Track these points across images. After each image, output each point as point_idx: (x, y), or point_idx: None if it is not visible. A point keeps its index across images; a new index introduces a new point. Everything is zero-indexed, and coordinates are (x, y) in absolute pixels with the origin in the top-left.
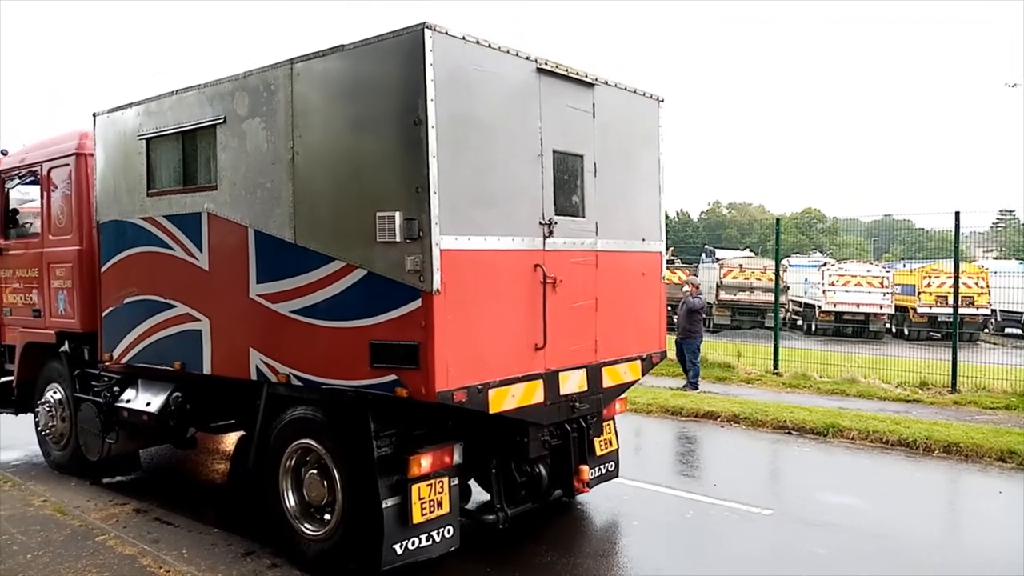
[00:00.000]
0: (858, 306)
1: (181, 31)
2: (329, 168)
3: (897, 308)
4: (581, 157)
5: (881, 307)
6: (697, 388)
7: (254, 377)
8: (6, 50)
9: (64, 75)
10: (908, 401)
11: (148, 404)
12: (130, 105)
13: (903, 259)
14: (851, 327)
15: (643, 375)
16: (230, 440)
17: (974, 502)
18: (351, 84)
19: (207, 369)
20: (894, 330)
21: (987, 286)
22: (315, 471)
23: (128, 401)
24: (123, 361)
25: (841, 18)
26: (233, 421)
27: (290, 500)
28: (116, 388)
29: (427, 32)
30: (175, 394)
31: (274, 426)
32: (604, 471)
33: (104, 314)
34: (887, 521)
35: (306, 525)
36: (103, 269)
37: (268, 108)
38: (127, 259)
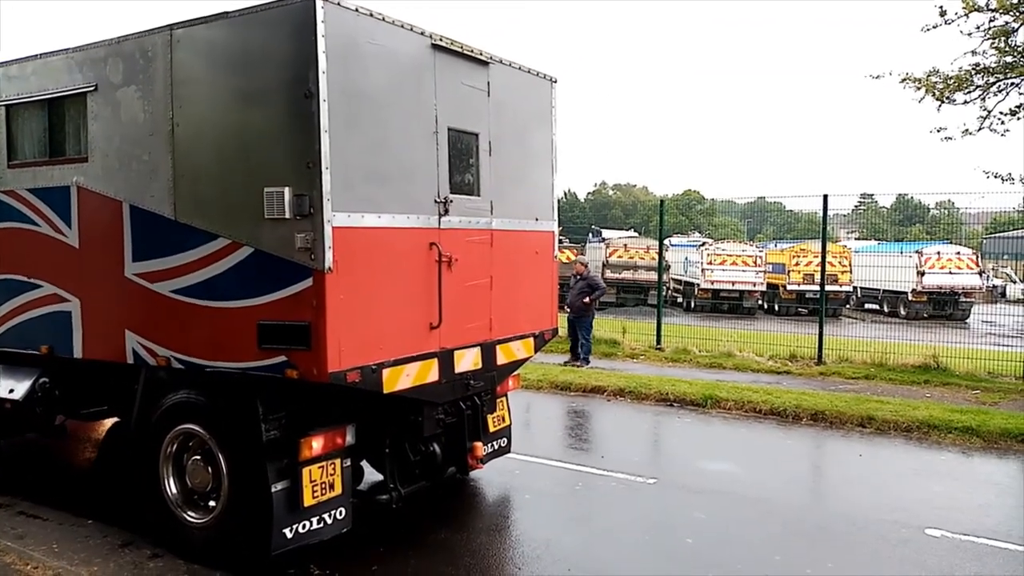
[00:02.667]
0: (733, 284)
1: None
2: (213, 141)
3: (769, 286)
4: (476, 135)
5: (755, 285)
6: (589, 363)
7: (130, 360)
8: None
9: None
10: (779, 373)
11: (11, 391)
12: None
13: (774, 239)
14: (727, 304)
15: (535, 352)
16: (103, 428)
17: (838, 465)
18: (237, 54)
19: (78, 353)
20: (766, 306)
21: (850, 265)
22: (198, 457)
23: None
24: None
25: (720, 14)
26: (106, 407)
27: (172, 487)
28: None
29: (318, 2)
30: (42, 379)
31: (154, 411)
32: (497, 447)
33: None
34: (762, 485)
35: (189, 512)
36: None
37: (145, 76)
38: None
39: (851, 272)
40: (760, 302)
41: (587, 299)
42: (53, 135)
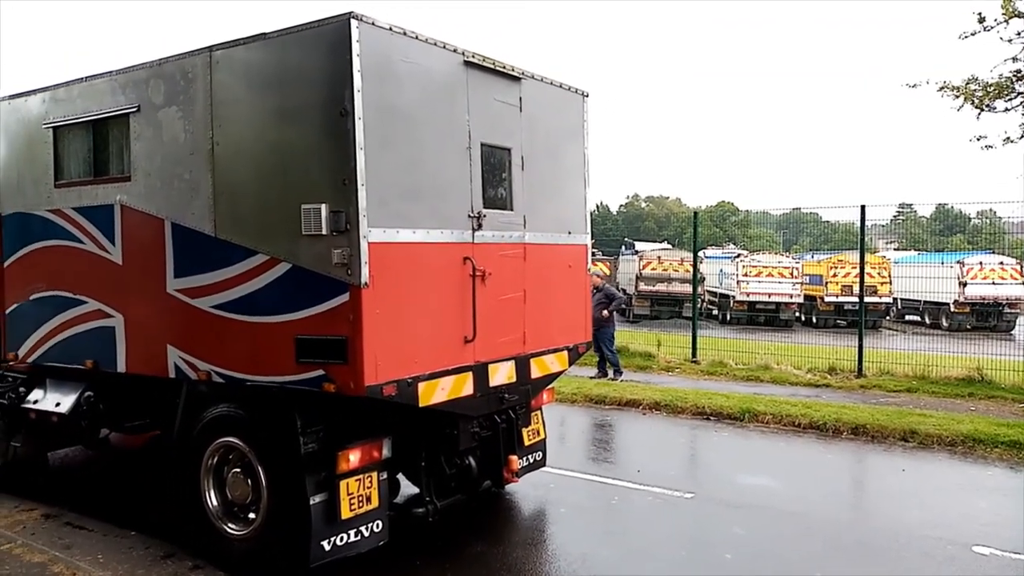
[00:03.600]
0: (770, 296)
1: (102, 18)
2: (252, 159)
3: (806, 297)
4: (509, 150)
5: (791, 296)
6: (621, 375)
7: (172, 375)
8: None
9: None
10: (818, 386)
11: (58, 405)
12: (34, 92)
13: (811, 250)
14: (763, 316)
15: (570, 365)
16: (146, 441)
17: (880, 480)
18: (275, 74)
19: (121, 367)
20: (803, 318)
21: (889, 276)
22: (239, 469)
23: (35, 402)
24: (29, 360)
25: (753, 18)
26: (148, 421)
27: (212, 500)
28: (22, 389)
29: (353, 22)
30: (87, 394)
31: (195, 425)
32: (532, 460)
33: (8, 311)
34: (802, 500)
35: (230, 525)
36: (6, 264)
37: (186, 97)
38: (33, 253)
39: (891, 283)
40: (797, 314)
41: (606, 311)
42: (97, 155)
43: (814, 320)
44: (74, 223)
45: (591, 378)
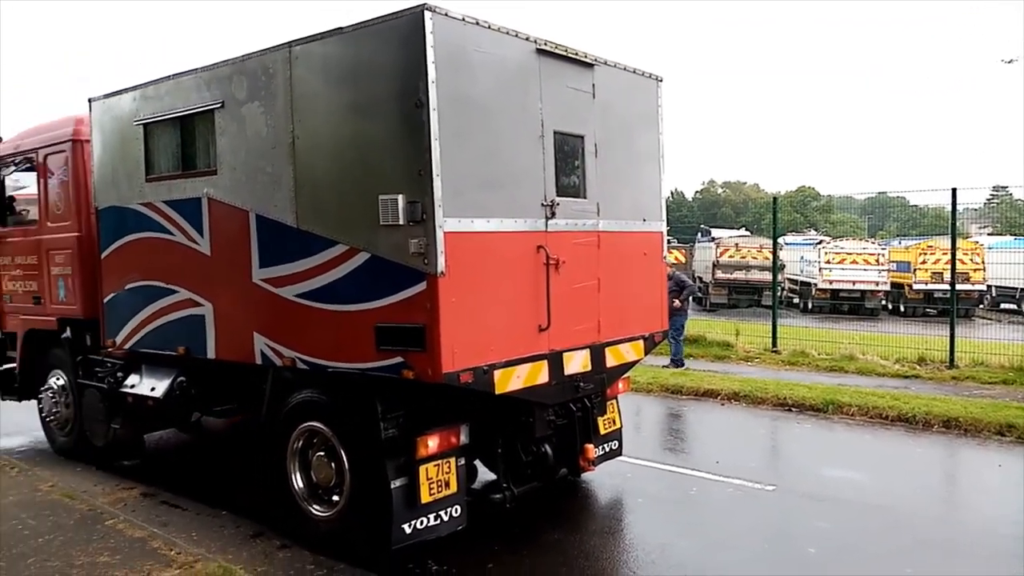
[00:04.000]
0: (854, 283)
1: (181, 17)
2: (330, 152)
3: (893, 285)
4: (582, 138)
5: (877, 284)
6: (682, 366)
7: (259, 361)
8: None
9: (56, 62)
10: (906, 377)
11: (153, 389)
12: (126, 90)
13: (898, 236)
14: (847, 304)
15: (645, 354)
16: (234, 424)
17: (974, 475)
18: (351, 67)
19: (211, 354)
20: (890, 307)
21: (982, 262)
22: (322, 453)
23: (132, 386)
24: (126, 347)
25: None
26: (236, 405)
27: (298, 482)
28: (120, 374)
29: (427, 13)
30: (179, 379)
31: (280, 409)
32: (608, 449)
33: (105, 300)
34: (890, 494)
35: (315, 506)
36: (103, 255)
37: (267, 92)
38: (127, 245)
39: (984, 270)
40: (883, 302)
41: (677, 300)
42: (185, 150)
43: (902, 309)
44: (165, 216)
45: (664, 367)
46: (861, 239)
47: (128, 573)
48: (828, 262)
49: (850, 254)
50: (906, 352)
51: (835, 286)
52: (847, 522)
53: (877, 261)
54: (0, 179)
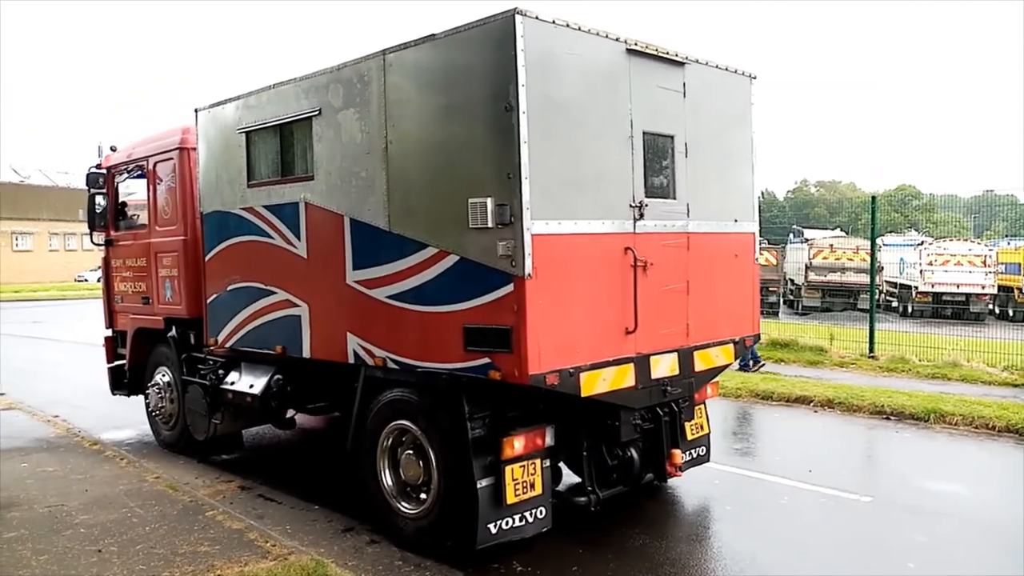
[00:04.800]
0: (958, 286)
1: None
2: (422, 156)
3: (1000, 288)
4: (672, 138)
5: (983, 287)
6: (759, 364)
7: (351, 361)
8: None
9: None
10: (1016, 386)
11: (251, 386)
12: (229, 100)
13: (1007, 236)
14: (950, 308)
15: (736, 359)
16: (326, 421)
17: None
18: (443, 73)
19: (307, 353)
20: (997, 311)
21: None
22: (411, 451)
23: (232, 383)
24: (227, 345)
25: None
26: (327, 403)
27: (387, 479)
28: (221, 371)
29: (518, 18)
30: (276, 377)
31: (371, 408)
32: (696, 455)
33: (208, 301)
34: (996, 510)
35: (403, 504)
36: (207, 258)
37: (362, 99)
38: (229, 248)
39: None
40: (990, 306)
41: None
42: (284, 156)
43: (1011, 313)
44: (264, 220)
45: (746, 370)
46: (966, 240)
47: (226, 563)
48: (930, 264)
49: (954, 255)
50: (1015, 359)
51: (937, 289)
52: (949, 537)
53: (983, 263)
54: (115, 186)
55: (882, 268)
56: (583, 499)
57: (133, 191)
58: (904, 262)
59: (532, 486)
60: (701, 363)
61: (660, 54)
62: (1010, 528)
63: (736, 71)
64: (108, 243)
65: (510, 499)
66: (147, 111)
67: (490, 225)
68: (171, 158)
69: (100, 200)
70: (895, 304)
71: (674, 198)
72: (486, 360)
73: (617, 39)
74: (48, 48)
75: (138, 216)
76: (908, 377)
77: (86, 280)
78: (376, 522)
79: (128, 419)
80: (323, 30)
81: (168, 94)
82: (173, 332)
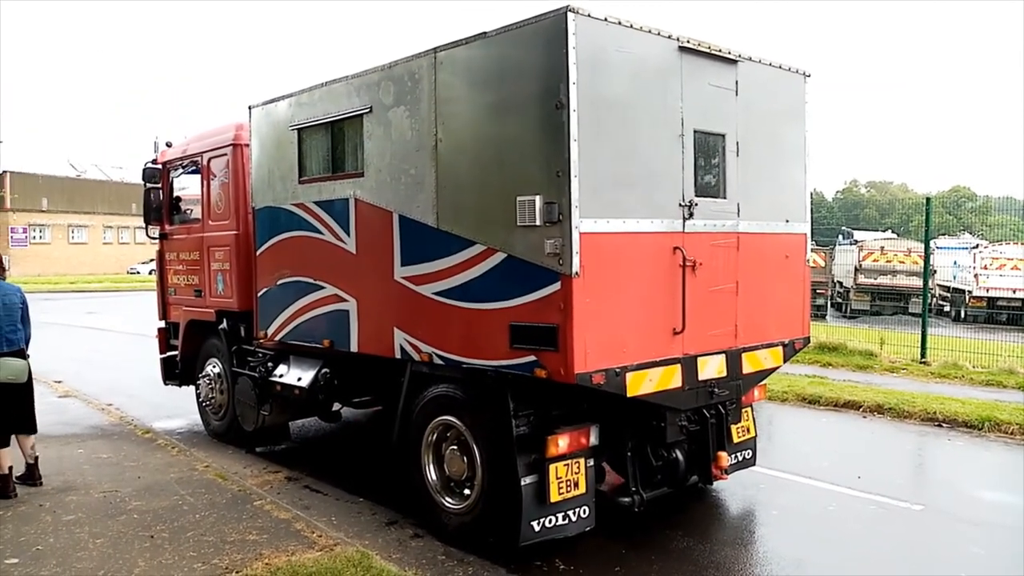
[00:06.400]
0: (1014, 291)
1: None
2: (471, 154)
3: None
4: (723, 136)
5: None
6: None
7: (398, 356)
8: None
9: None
10: None
11: (299, 379)
12: (282, 97)
13: None
14: (1006, 314)
15: (784, 362)
16: (370, 415)
17: None
18: (493, 70)
19: (354, 347)
20: None
21: None
22: (455, 447)
23: (281, 376)
24: (276, 338)
25: None
26: (372, 397)
27: (432, 474)
28: (270, 363)
29: (570, 15)
30: (323, 370)
31: (417, 403)
32: (742, 458)
33: (259, 294)
34: None
35: (447, 499)
36: (258, 252)
37: (412, 97)
38: (280, 243)
39: None
40: None
41: None
42: (335, 153)
43: None
44: (315, 215)
45: None
46: (1023, 243)
47: (274, 552)
48: (985, 268)
49: (1010, 259)
50: None
51: (992, 294)
52: (1005, 548)
53: None
54: (170, 181)
55: (935, 271)
56: (627, 500)
57: (187, 186)
58: (957, 265)
59: (576, 485)
60: (749, 365)
61: (712, 52)
62: None
63: (790, 69)
64: (162, 237)
65: (554, 497)
66: (147, 111)
67: (538, 223)
68: (225, 154)
69: (155, 195)
70: (947, 309)
71: (724, 197)
72: (532, 358)
73: (669, 36)
74: (48, 48)
75: (191, 211)
76: (961, 384)
77: (138, 272)
78: (420, 516)
79: (179, 409)
80: (323, 30)
81: (168, 94)
82: (224, 324)
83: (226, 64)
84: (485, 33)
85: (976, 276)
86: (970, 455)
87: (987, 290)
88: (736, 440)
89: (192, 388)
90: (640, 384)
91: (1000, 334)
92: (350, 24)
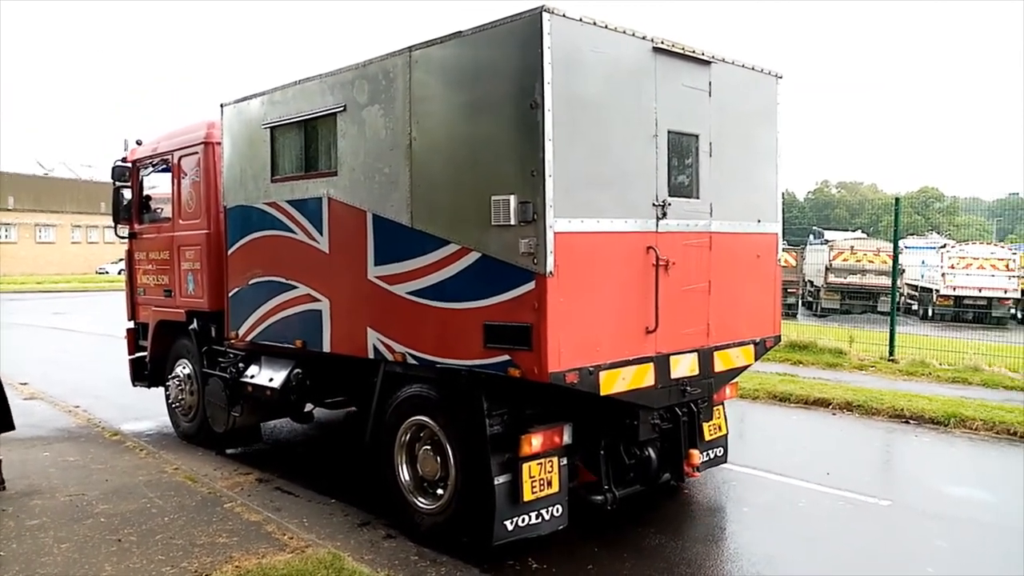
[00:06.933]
0: (980, 290)
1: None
2: (446, 153)
3: (1023, 292)
4: (696, 137)
5: (1006, 291)
6: None
7: (371, 356)
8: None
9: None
10: None
11: (271, 380)
12: (255, 96)
13: None
14: (972, 312)
15: (756, 360)
16: (343, 416)
17: None
18: (468, 70)
19: (327, 347)
20: (1020, 316)
21: None
22: (429, 447)
23: (252, 376)
24: (248, 339)
25: None
26: (345, 398)
27: (405, 474)
28: (241, 364)
29: (545, 15)
30: (296, 370)
31: (390, 403)
32: (713, 456)
33: (230, 294)
34: (1016, 516)
35: (420, 499)
36: (229, 252)
37: (387, 95)
38: (252, 242)
39: None
40: (1013, 311)
41: None
42: (308, 152)
43: None
44: (287, 215)
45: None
46: (989, 243)
47: (244, 555)
48: (952, 267)
49: (976, 259)
50: None
51: (959, 292)
52: (970, 543)
53: (1007, 267)
54: (139, 179)
55: (903, 271)
56: (600, 498)
57: (157, 185)
58: (925, 265)
59: (549, 484)
60: (721, 363)
61: (686, 53)
62: None
63: (762, 70)
64: (132, 236)
65: (527, 496)
66: (147, 111)
67: (513, 222)
68: (196, 152)
69: (125, 193)
70: (915, 307)
71: (697, 197)
72: (506, 357)
73: (643, 37)
74: (48, 48)
75: (162, 210)
76: (928, 381)
77: (107, 272)
78: (393, 517)
79: (148, 410)
80: (324, 30)
81: (168, 94)
82: (194, 325)
83: (226, 64)
84: (460, 32)
85: (943, 275)
86: (936, 451)
87: (954, 289)
88: (708, 438)
89: (161, 390)
90: (613, 383)
91: (966, 332)
92: (354, 24)
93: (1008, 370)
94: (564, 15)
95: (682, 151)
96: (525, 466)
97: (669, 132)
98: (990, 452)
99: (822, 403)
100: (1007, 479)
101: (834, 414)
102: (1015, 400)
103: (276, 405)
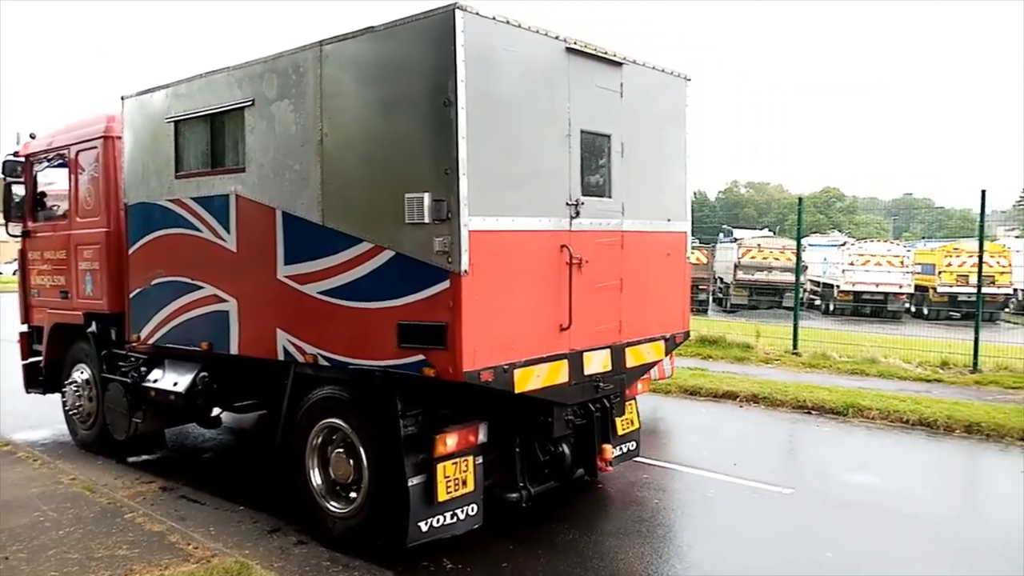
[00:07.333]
0: (877, 286)
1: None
2: (358, 150)
3: (917, 288)
4: (608, 137)
5: (900, 287)
6: None
7: (281, 357)
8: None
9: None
10: (928, 381)
11: (175, 384)
12: (158, 88)
13: (923, 238)
14: (869, 307)
15: (666, 355)
16: (253, 419)
17: (997, 482)
18: (381, 66)
19: (234, 350)
20: (913, 310)
21: (1009, 265)
22: (341, 450)
23: (155, 381)
24: (150, 342)
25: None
26: (254, 401)
27: (316, 478)
28: (143, 368)
29: (458, 13)
30: (202, 374)
31: (301, 406)
32: (626, 450)
33: (131, 295)
34: (910, 500)
35: (332, 503)
36: (131, 251)
37: (297, 90)
38: (155, 241)
39: (1011, 273)
40: (907, 305)
41: None
42: (215, 147)
43: (925, 312)
44: (193, 212)
45: None
46: (886, 241)
47: (146, 567)
48: (851, 264)
49: (874, 256)
50: (929, 356)
51: (857, 288)
52: (867, 527)
53: (901, 263)
54: (33, 175)
55: (806, 267)
56: (515, 495)
57: (53, 181)
58: (827, 262)
59: (464, 483)
60: (633, 359)
61: (599, 54)
62: (925, 516)
63: (672, 73)
64: (25, 234)
65: (441, 496)
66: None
67: (427, 220)
68: (95, 147)
69: (17, 189)
70: (818, 302)
71: (610, 197)
72: (420, 357)
73: (556, 37)
74: (48, 48)
75: (58, 207)
76: (829, 373)
77: (1, 273)
78: (304, 522)
79: (43, 418)
80: (236, 25)
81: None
82: (93, 328)
83: (127, 58)
84: (372, 28)
85: (843, 272)
86: (836, 440)
87: (853, 284)
88: (620, 432)
89: (58, 396)
90: (528, 380)
91: (864, 325)
92: (268, 20)
93: (902, 361)
94: (477, 13)
95: (595, 151)
96: (440, 466)
97: (582, 132)
98: (885, 440)
99: (730, 396)
100: (901, 465)
101: (741, 406)
102: (908, 390)
103: (181, 410)
